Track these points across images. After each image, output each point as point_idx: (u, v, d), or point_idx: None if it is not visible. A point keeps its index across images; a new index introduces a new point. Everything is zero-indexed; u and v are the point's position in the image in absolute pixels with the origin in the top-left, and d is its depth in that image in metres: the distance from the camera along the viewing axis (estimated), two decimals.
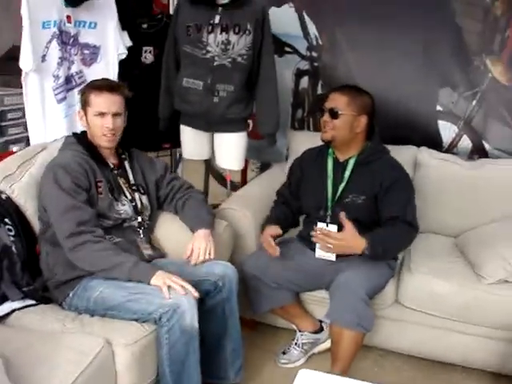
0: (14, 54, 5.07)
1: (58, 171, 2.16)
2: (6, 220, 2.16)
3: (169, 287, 1.98)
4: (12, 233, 2.16)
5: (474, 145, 3.21)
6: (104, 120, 2.22)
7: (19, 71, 4.94)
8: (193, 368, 2.01)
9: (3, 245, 2.11)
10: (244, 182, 3.68)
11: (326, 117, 2.46)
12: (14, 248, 2.14)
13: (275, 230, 2.49)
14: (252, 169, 3.93)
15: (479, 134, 3.19)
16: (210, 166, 3.59)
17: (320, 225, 2.50)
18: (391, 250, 2.41)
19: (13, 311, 2.04)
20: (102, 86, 2.28)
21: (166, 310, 1.93)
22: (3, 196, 2.22)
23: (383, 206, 2.44)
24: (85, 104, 2.28)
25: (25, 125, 4.87)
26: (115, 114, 2.24)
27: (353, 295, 2.25)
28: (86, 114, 2.28)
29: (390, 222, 2.40)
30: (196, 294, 2.00)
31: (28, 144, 4.69)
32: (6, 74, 5.02)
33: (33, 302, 2.12)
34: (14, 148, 4.06)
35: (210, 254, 2.23)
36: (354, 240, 2.31)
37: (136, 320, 1.99)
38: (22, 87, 4.73)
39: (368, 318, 2.31)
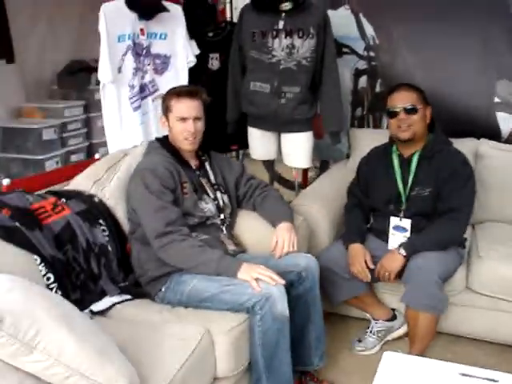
0: (72, 68, 5.34)
1: (147, 175, 2.32)
2: (101, 221, 2.35)
3: (256, 279, 2.11)
4: (106, 233, 2.35)
5: None
6: (186, 124, 2.37)
7: (77, 85, 5.17)
8: (284, 353, 2.14)
9: (100, 244, 2.29)
10: (305, 180, 3.81)
11: (403, 115, 2.57)
12: (109, 247, 2.32)
13: (366, 255, 2.59)
14: (312, 169, 4.06)
15: None
16: (273, 166, 3.73)
17: (393, 220, 2.65)
18: (442, 242, 2.52)
19: (113, 305, 2.19)
20: (182, 92, 2.44)
21: (259, 299, 2.06)
22: (96, 199, 2.40)
23: (440, 198, 2.56)
24: (166, 110, 2.43)
25: (84, 135, 5.15)
26: (196, 119, 2.40)
27: (426, 279, 2.37)
28: (168, 120, 2.44)
29: (443, 214, 2.54)
30: (283, 281, 2.12)
31: (88, 153, 4.95)
32: (66, 88, 5.29)
33: (129, 296, 2.27)
34: (73, 157, 4.30)
35: (293, 245, 2.36)
36: (389, 256, 2.52)
37: (229, 310, 2.12)
38: (80, 99, 4.99)
39: (442, 300, 2.43)
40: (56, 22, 5.35)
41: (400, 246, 2.53)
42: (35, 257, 2.00)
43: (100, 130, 5.21)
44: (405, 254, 2.48)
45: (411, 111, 2.55)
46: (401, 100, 2.58)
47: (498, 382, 1.76)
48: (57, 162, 4.63)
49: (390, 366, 1.85)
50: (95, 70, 5.01)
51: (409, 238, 2.58)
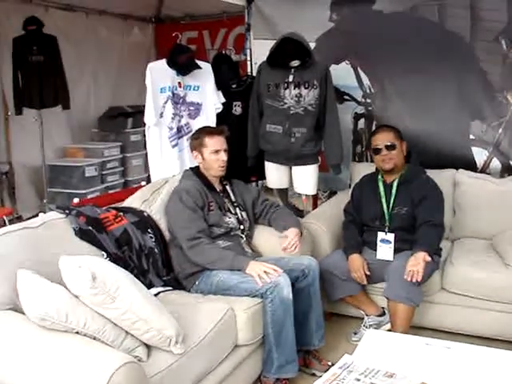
0: (111, 113, 5.95)
1: (183, 193, 2.98)
2: (149, 230, 2.99)
3: (265, 273, 2.72)
4: (153, 239, 2.99)
5: (502, 165, 3.89)
6: (219, 155, 3.04)
7: (115, 128, 5.75)
8: (289, 329, 2.72)
9: (149, 247, 2.94)
10: (315, 206, 4.42)
11: (384, 152, 3.20)
12: (156, 250, 2.97)
13: (362, 261, 3.16)
14: (320, 198, 4.70)
15: (506, 156, 3.87)
16: (287, 196, 4.34)
17: (380, 234, 3.26)
18: (430, 244, 3.08)
19: (158, 293, 2.80)
20: (213, 131, 3.14)
21: (270, 286, 2.68)
22: (145, 214, 3.05)
23: (418, 213, 3.16)
24: (200, 146, 3.09)
25: (120, 173, 5.70)
26: (225, 150, 3.07)
27: (402, 276, 2.93)
28: (201, 153, 3.09)
29: (422, 224, 3.11)
30: (281, 271, 2.72)
31: (124, 188, 5.45)
32: (105, 131, 5.90)
33: (170, 288, 2.90)
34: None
35: (295, 247, 3.02)
36: (414, 259, 2.97)
37: (247, 296, 2.74)
38: (118, 141, 5.53)
39: (416, 294, 2.98)
40: (99, 73, 6.04)
41: (417, 250, 2.98)
42: (103, 252, 2.67)
43: (134, 168, 5.86)
44: (426, 252, 2.95)
45: (391, 147, 3.20)
46: (381, 139, 3.23)
47: (450, 348, 2.31)
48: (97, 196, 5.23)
49: (370, 340, 2.41)
50: (131, 114, 5.71)
51: (419, 243, 3.03)
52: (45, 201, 5.22)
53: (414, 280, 2.89)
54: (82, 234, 2.64)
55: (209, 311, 2.55)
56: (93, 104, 6.08)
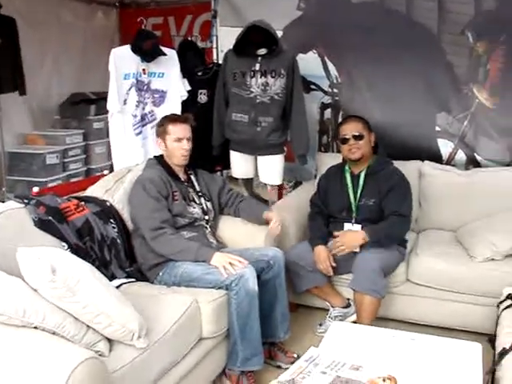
0: (73, 100, 5.82)
1: (146, 183, 2.91)
2: (112, 220, 2.92)
3: (231, 264, 2.68)
4: (116, 229, 2.92)
5: (467, 157, 3.92)
6: (181, 143, 2.99)
7: (77, 115, 5.61)
8: (254, 321, 2.69)
9: (111, 238, 2.87)
10: (280, 197, 4.38)
11: (352, 141, 3.19)
12: (118, 240, 2.90)
13: (328, 253, 3.15)
14: (286, 188, 4.66)
15: (471, 148, 3.90)
16: (252, 186, 4.31)
17: (347, 225, 3.25)
18: (390, 236, 3.10)
19: (121, 285, 2.74)
20: (177, 118, 3.07)
21: (235, 277, 2.64)
22: (108, 203, 2.98)
23: (385, 204, 3.16)
24: (163, 133, 3.02)
25: (83, 161, 5.60)
26: (188, 139, 3.01)
27: (368, 268, 2.95)
28: (164, 141, 3.03)
29: (389, 216, 3.12)
30: (246, 262, 2.70)
31: (86, 177, 5.37)
32: (67, 118, 5.77)
33: (133, 279, 2.83)
34: (73, 180, 4.83)
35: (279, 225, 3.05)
36: (352, 234, 3.07)
37: (212, 288, 2.69)
38: (80, 129, 5.41)
39: (382, 285, 2.99)
40: (61, 58, 5.89)
41: (364, 229, 3.09)
42: (63, 243, 2.58)
43: (97, 156, 5.74)
44: (369, 240, 3.04)
45: (358, 137, 3.18)
46: (350, 129, 3.21)
47: (415, 339, 2.34)
48: (58, 184, 5.09)
49: (336, 332, 2.42)
50: (94, 101, 5.58)
51: (371, 228, 3.11)
52: (3, 189, 5.07)
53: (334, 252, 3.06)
54: (41, 224, 2.55)
55: (173, 303, 2.50)
56: (55, 90, 5.91)
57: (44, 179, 5.02)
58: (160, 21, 6.42)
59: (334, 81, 4.21)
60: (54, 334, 1.94)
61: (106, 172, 3.80)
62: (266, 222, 3.10)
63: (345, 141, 3.22)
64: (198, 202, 3.08)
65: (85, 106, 5.68)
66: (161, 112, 3.68)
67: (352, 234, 3.11)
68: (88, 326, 2.04)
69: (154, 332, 2.25)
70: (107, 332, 2.07)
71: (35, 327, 1.90)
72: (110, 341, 2.12)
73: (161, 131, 3.05)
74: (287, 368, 2.82)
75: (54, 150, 5.18)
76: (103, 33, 6.42)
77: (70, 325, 1.98)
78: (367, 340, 2.34)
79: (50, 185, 5.01)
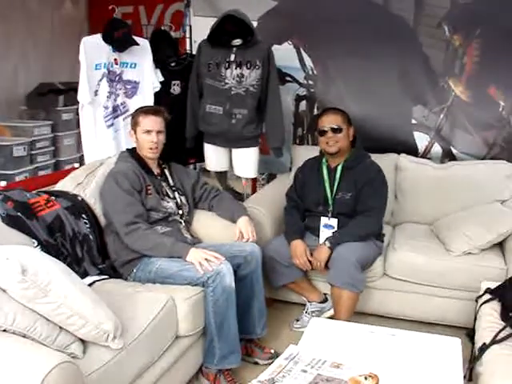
0: (41, 90, 5.67)
1: (119, 176, 2.83)
2: (83, 216, 2.83)
3: (207, 260, 2.61)
4: (88, 225, 2.83)
5: (443, 150, 3.91)
6: (150, 136, 2.90)
7: (45, 106, 5.45)
8: (232, 318, 2.64)
9: (83, 234, 2.78)
10: (254, 190, 4.34)
11: (330, 134, 3.12)
12: (90, 236, 2.81)
13: (305, 247, 3.11)
14: (260, 183, 4.60)
15: (447, 141, 3.90)
16: (226, 179, 4.24)
17: (323, 219, 3.20)
18: (356, 237, 3.04)
19: (93, 282, 2.66)
20: (148, 110, 2.98)
21: (212, 274, 2.57)
22: (79, 198, 2.88)
23: (359, 199, 3.12)
24: (135, 125, 2.94)
25: (51, 153, 5.46)
26: (158, 132, 2.92)
27: (346, 262, 2.91)
28: (135, 133, 2.95)
29: (359, 214, 3.10)
30: (223, 258, 2.63)
31: (55, 169, 5.24)
32: (34, 108, 5.61)
33: (106, 276, 2.75)
34: (41, 173, 4.76)
35: (253, 235, 2.93)
36: (318, 251, 3.05)
37: (188, 284, 2.62)
38: (48, 120, 5.26)
39: (360, 280, 2.97)
40: (28, 48, 5.73)
41: (326, 239, 3.07)
42: (33, 240, 2.48)
43: (66, 148, 5.60)
44: (329, 246, 3.02)
45: (336, 130, 3.12)
46: (328, 121, 3.15)
47: (395, 335, 2.31)
48: (26, 177, 4.89)
49: (315, 329, 2.37)
50: (63, 92, 5.43)
51: (333, 233, 3.12)
52: None
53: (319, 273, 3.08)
54: (9, 220, 2.45)
55: (148, 302, 2.43)
56: (22, 80, 5.73)
57: (11, 172, 4.81)
58: (130, 10, 6.26)
59: (310, 72, 4.16)
60: (24, 336, 1.85)
61: (76, 165, 3.69)
62: None
63: (322, 133, 3.16)
64: (171, 196, 3.01)
65: (53, 97, 5.49)
66: (133, 103, 3.60)
67: (319, 251, 3.06)
68: (61, 327, 1.96)
69: (129, 332, 2.18)
70: (81, 333, 1.99)
71: (4, 330, 1.82)
72: (83, 342, 2.04)
73: (133, 122, 2.97)
74: (265, 364, 2.86)
75: (21, 142, 4.99)
76: (72, 21, 6.25)
77: (41, 327, 1.89)
78: (347, 336, 2.30)
79: (17, 178, 4.82)
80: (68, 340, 1.97)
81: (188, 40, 4.35)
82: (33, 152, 5.17)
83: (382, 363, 2.02)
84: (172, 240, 2.74)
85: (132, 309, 2.34)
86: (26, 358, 1.70)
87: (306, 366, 2.02)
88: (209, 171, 4.03)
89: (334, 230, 3.17)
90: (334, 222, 3.18)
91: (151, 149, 2.92)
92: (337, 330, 2.39)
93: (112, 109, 3.55)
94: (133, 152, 3.02)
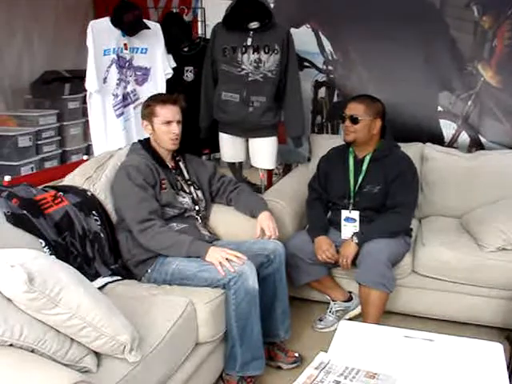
0: (46, 78, 5.51)
1: (131, 170, 2.63)
2: (94, 212, 2.64)
3: (228, 260, 2.43)
4: (98, 222, 2.65)
5: (471, 139, 3.72)
6: (170, 127, 2.71)
7: (51, 94, 5.30)
8: (255, 322, 2.46)
9: (94, 232, 2.59)
10: (270, 182, 4.15)
11: (348, 122, 2.93)
12: (101, 234, 2.62)
13: (330, 243, 2.92)
14: (275, 172, 4.41)
15: (475, 130, 3.70)
16: (241, 169, 4.05)
17: (344, 212, 3.01)
18: (385, 232, 2.87)
19: (106, 284, 2.48)
20: (167, 99, 2.78)
21: (233, 275, 2.39)
22: (89, 193, 2.69)
23: (388, 194, 2.94)
24: (150, 115, 2.74)
25: (57, 143, 5.32)
26: (178, 122, 2.73)
27: (376, 260, 2.74)
28: (151, 124, 2.76)
29: (389, 209, 2.92)
30: (245, 258, 2.44)
31: (61, 161, 5.11)
32: (40, 97, 5.45)
33: (119, 277, 2.57)
34: (47, 164, 4.61)
35: (275, 231, 2.75)
36: (345, 246, 2.88)
37: (207, 286, 2.44)
38: (54, 109, 5.13)
39: (390, 279, 2.79)
40: (32, 34, 5.55)
41: (353, 235, 2.90)
42: (40, 240, 2.29)
43: (73, 137, 5.45)
44: (357, 242, 2.85)
45: (354, 120, 2.92)
46: (349, 109, 2.95)
47: (434, 341, 2.13)
48: (32, 168, 4.77)
49: (345, 333, 2.20)
50: (68, 80, 5.26)
51: (360, 229, 2.94)
52: None
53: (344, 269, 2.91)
54: (14, 219, 2.26)
55: (165, 306, 2.25)
56: (26, 68, 5.57)
57: (16, 163, 4.71)
58: None
59: (329, 57, 3.97)
60: (32, 351, 1.67)
61: (85, 157, 3.50)
62: None
63: (343, 120, 2.98)
64: (187, 190, 2.82)
65: (59, 85, 5.36)
66: (144, 91, 3.42)
67: (346, 247, 2.89)
68: (72, 339, 1.78)
69: (146, 342, 2.01)
70: (95, 345, 1.81)
71: (10, 344, 1.64)
72: (97, 354, 1.87)
73: (147, 113, 2.77)
74: (288, 369, 2.70)
75: (26, 132, 4.89)
76: (77, 6, 6.05)
77: (51, 339, 1.72)
78: (379, 341, 2.14)
79: (22, 169, 4.71)
80: (81, 353, 1.79)
81: (200, 23, 4.13)
82: (38, 142, 5.08)
83: (419, 371, 1.88)
84: (190, 239, 2.55)
85: (149, 315, 2.17)
86: (35, 379, 1.51)
87: (339, 377, 1.87)
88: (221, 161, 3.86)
89: (355, 224, 2.99)
90: (355, 214, 3.00)
91: (172, 140, 2.74)
92: (368, 334, 2.21)
93: (122, 97, 3.37)
94: (145, 143, 2.83)
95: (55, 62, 5.67)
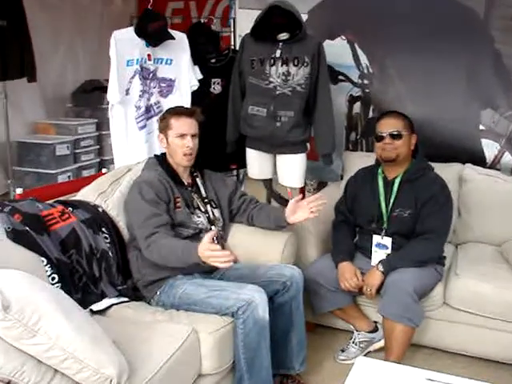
0: (86, 87, 5.53)
1: (143, 186, 2.52)
2: (103, 229, 2.55)
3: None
4: (108, 240, 2.54)
5: None
6: (184, 140, 2.59)
7: (90, 103, 5.32)
8: (264, 355, 2.30)
9: (102, 250, 2.49)
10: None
11: (388, 140, 2.75)
12: (110, 253, 2.52)
13: (355, 270, 2.75)
14: (308, 189, 4.24)
15: None
16: (271, 185, 3.90)
17: (376, 238, 2.84)
18: (414, 262, 2.68)
19: (111, 306, 2.38)
20: (181, 111, 2.67)
21: (242, 304, 2.24)
22: (100, 209, 2.60)
23: (418, 219, 2.74)
24: (165, 128, 2.64)
25: (95, 152, 5.31)
26: (193, 135, 2.61)
27: (401, 291, 2.54)
28: (166, 137, 2.64)
29: (419, 235, 2.72)
30: (232, 257, 2.20)
31: (99, 169, 5.11)
32: (80, 106, 5.48)
33: (126, 299, 2.46)
34: (85, 172, 4.52)
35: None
36: (370, 275, 2.70)
37: (215, 313, 2.30)
38: (93, 117, 5.13)
39: (417, 313, 2.59)
40: (76, 45, 5.59)
41: (379, 263, 2.71)
42: (42, 258, 2.20)
43: (111, 147, 5.44)
44: (382, 270, 2.66)
45: (396, 137, 2.74)
46: (387, 126, 2.77)
47: None
48: (69, 177, 4.80)
49: (362, 370, 2.02)
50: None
51: (387, 256, 2.75)
52: (9, 181, 4.77)
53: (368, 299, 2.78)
54: (15, 235, 2.17)
55: (166, 335, 2.12)
56: (70, 77, 5.65)
57: (54, 171, 4.76)
58: (181, 5, 6.13)
59: (365, 71, 3.79)
60: (9, 383, 1.55)
61: (104, 171, 3.42)
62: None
63: (380, 139, 2.79)
64: (203, 209, 2.69)
65: (98, 94, 5.39)
66: (168, 103, 3.29)
67: (370, 276, 2.71)
68: (55, 369, 1.66)
69: (141, 372, 1.88)
70: (79, 378, 1.68)
71: None
72: None
73: (163, 126, 2.67)
74: None
75: (64, 140, 4.95)
76: (121, 16, 6.08)
77: (30, 370, 1.61)
78: (399, 383, 1.95)
79: (59, 177, 4.77)
80: None
81: (232, 34, 4.02)
82: (76, 151, 5.12)
83: None
84: (182, 244, 2.36)
85: (147, 343, 2.04)
86: None
87: None
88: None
89: (387, 251, 2.79)
90: (387, 241, 2.81)
91: (185, 155, 2.62)
92: (387, 374, 2.02)
93: (145, 109, 3.27)
94: (162, 159, 2.72)
95: (97, 72, 5.71)
